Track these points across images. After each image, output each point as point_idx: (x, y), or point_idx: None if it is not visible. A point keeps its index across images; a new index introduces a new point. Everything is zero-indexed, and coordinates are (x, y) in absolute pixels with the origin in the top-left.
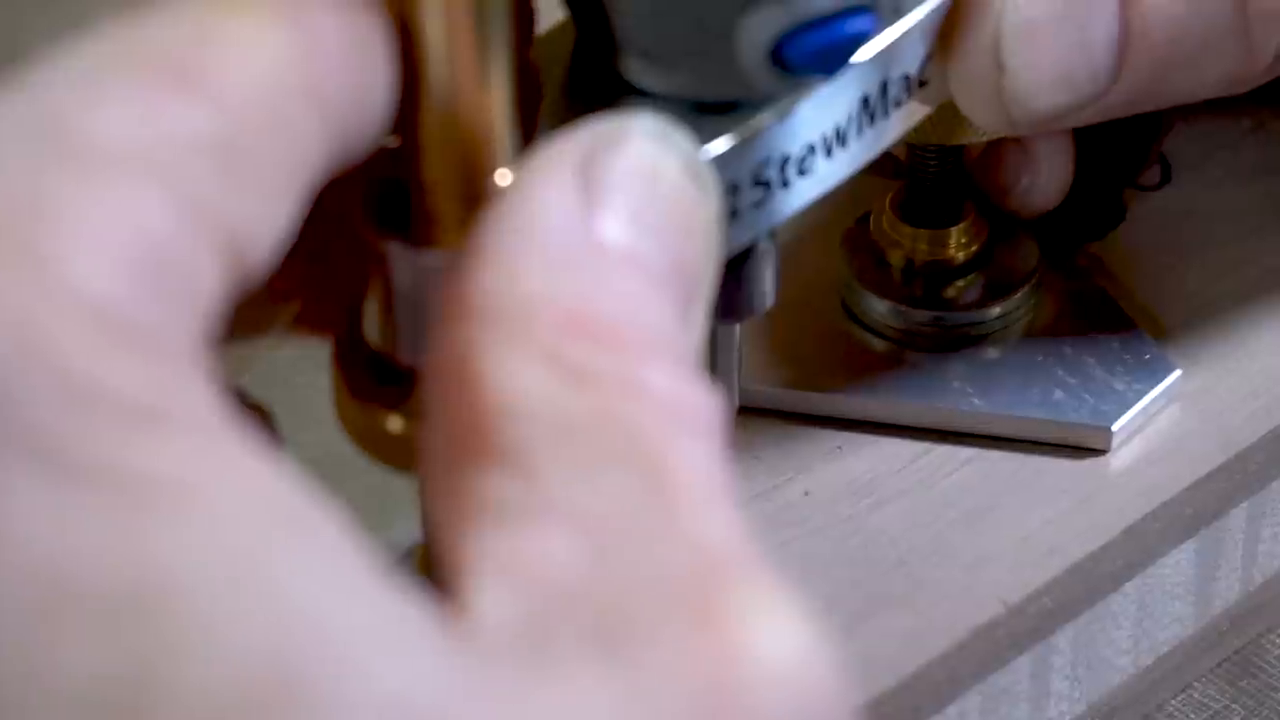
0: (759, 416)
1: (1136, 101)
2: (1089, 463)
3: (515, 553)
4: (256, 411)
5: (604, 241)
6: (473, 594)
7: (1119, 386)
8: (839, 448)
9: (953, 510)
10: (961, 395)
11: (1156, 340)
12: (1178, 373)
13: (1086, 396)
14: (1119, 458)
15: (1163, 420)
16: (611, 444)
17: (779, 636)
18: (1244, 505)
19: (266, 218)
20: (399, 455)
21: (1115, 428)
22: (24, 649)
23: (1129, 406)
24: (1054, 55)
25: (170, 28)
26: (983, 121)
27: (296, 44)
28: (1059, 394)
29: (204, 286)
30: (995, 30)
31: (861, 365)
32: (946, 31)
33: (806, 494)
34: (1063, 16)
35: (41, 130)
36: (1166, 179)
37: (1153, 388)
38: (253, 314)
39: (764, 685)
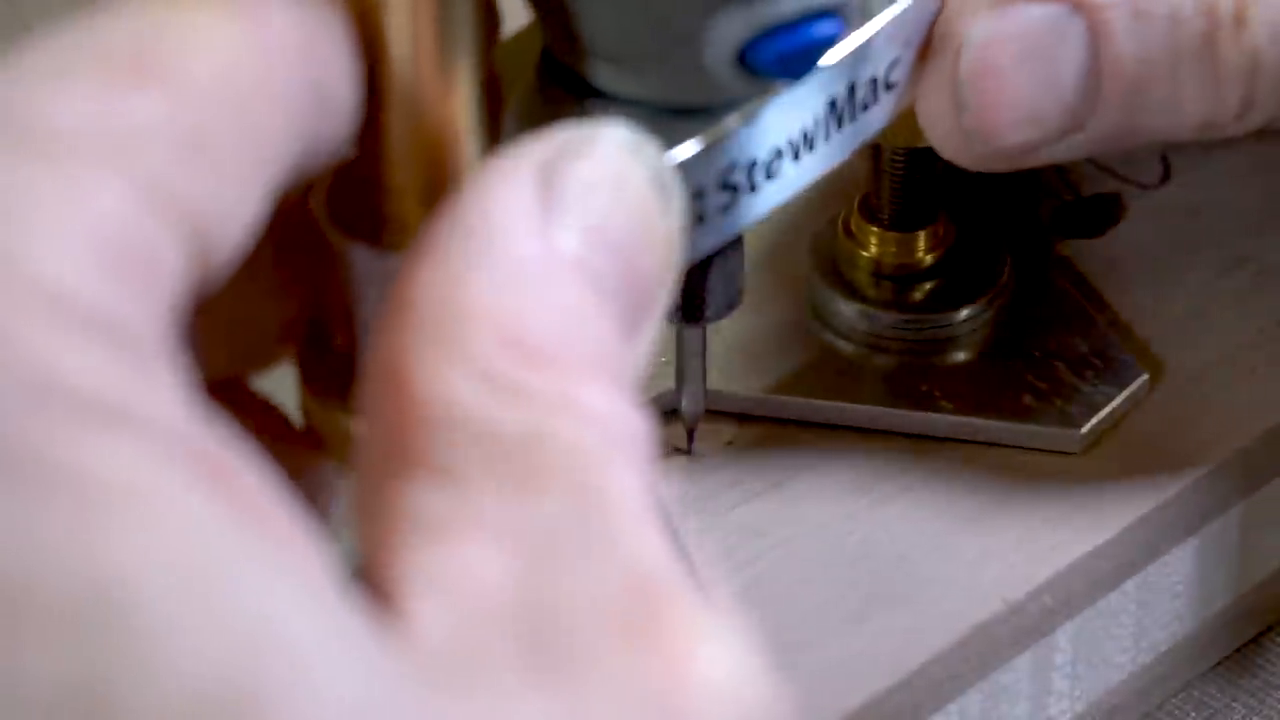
0: (756, 416)
1: (1113, 137)
2: (1090, 461)
3: (446, 567)
4: (267, 409)
5: (556, 250)
6: (407, 607)
7: (1087, 390)
8: (836, 446)
9: (953, 508)
10: (929, 399)
11: (1125, 344)
12: (1145, 377)
13: (1055, 400)
14: (1120, 455)
15: (1163, 417)
16: (542, 463)
17: (718, 656)
18: (1243, 503)
19: (229, 209)
20: None
21: (1083, 431)
22: None
23: (1097, 410)
24: (1017, 94)
25: (125, 23)
26: (949, 155)
27: (251, 38)
28: (1027, 398)
29: (167, 276)
30: (953, 70)
31: (829, 369)
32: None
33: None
34: (1027, 56)
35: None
36: (1166, 177)
37: (1121, 391)
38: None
39: (705, 704)
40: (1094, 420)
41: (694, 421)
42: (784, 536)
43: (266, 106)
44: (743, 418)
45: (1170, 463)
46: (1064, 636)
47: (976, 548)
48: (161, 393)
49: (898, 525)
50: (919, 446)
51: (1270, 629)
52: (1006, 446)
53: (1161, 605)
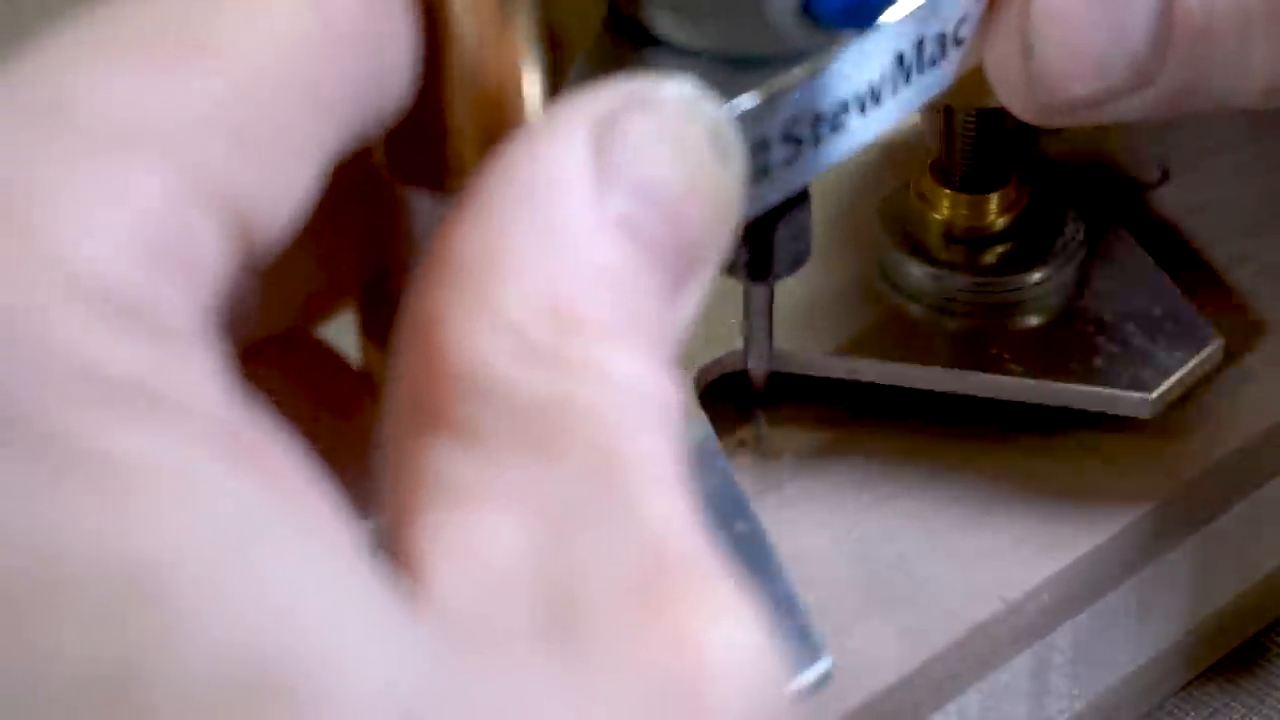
0: (756, 415)
1: (1181, 96)
2: (1088, 462)
3: (466, 534)
4: (329, 357)
5: (603, 206)
6: (428, 572)
7: (1159, 354)
8: (837, 446)
9: (952, 508)
10: (998, 362)
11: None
12: (1220, 341)
13: (1126, 364)
14: (1119, 455)
15: (1162, 417)
16: (564, 428)
17: (732, 631)
18: (1244, 502)
19: (279, 192)
20: None
21: (1154, 395)
22: (19, 636)
23: (1170, 374)
24: (1086, 40)
25: (170, 2)
26: (1015, 108)
27: (310, 13)
28: (1098, 361)
29: (208, 264)
30: (1023, 12)
31: (899, 331)
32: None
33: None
34: (1098, 2)
35: (40, 106)
36: (1166, 177)
37: (1194, 355)
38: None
39: (719, 678)
40: (1165, 384)
41: (761, 382)
42: (782, 536)
43: (322, 84)
44: (803, 379)
45: (1169, 462)
46: (1063, 636)
47: (975, 547)
48: (197, 379)
49: (897, 525)
50: (919, 447)
51: (1270, 629)
52: (1069, 411)
53: (1161, 605)
